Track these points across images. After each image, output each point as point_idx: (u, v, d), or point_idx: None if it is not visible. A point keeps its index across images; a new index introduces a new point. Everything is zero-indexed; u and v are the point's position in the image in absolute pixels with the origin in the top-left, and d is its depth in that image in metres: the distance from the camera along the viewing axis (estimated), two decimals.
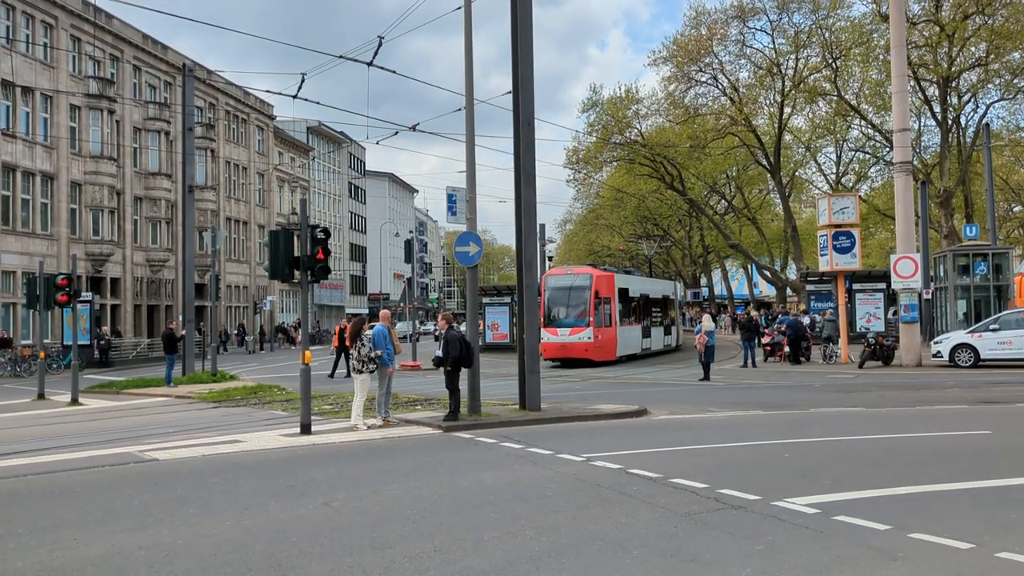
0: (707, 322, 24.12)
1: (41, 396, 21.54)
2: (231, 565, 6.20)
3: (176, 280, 47.16)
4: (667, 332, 39.74)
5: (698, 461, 10.10)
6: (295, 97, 19.81)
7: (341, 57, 18.86)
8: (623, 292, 32.47)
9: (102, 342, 36.62)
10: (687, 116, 44.86)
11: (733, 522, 7.10)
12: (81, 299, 27.95)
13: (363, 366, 13.88)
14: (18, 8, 37.64)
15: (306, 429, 13.35)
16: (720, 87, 44.09)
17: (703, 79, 44.01)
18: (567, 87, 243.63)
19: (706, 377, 22.83)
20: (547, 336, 28.96)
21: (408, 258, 35.22)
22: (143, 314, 46.70)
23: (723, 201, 57.70)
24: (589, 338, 29.39)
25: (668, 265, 73.85)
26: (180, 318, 30.58)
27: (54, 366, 31.70)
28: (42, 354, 22.99)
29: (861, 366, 25.60)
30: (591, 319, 29.43)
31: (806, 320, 31.54)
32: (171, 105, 46.83)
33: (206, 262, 43.14)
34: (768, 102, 44.72)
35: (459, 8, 16.30)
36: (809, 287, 38.67)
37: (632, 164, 48.76)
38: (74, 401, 20.25)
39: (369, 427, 13.80)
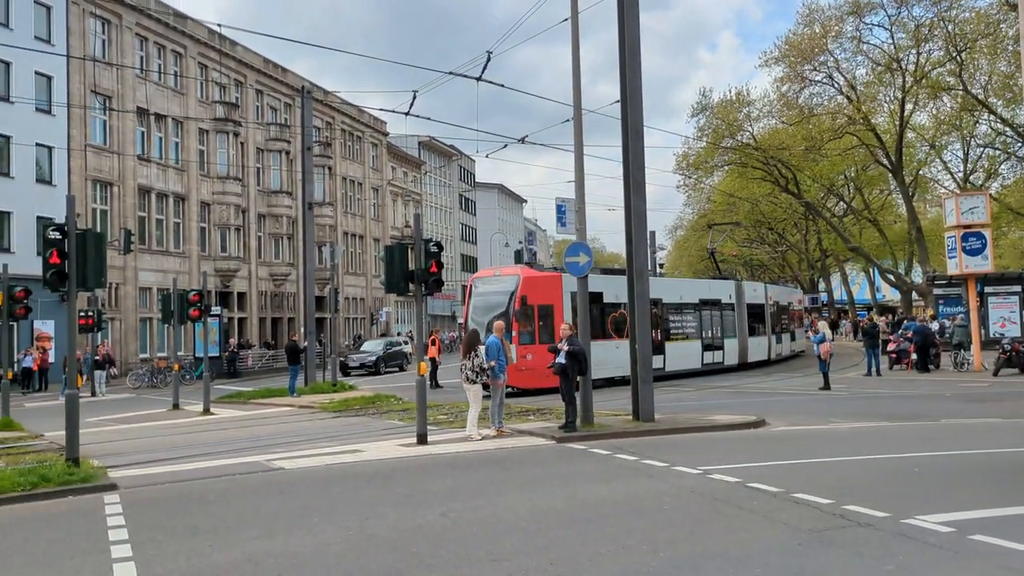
0: (824, 328, 23.31)
1: (176, 406, 22.72)
2: (355, 574, 6.39)
3: (297, 293, 49.01)
4: (713, 347, 30.65)
5: (821, 475, 9.77)
6: (407, 114, 20.31)
7: (451, 73, 19.22)
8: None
9: (228, 353, 38.36)
10: (801, 117, 43.55)
11: (860, 540, 6.83)
12: (211, 313, 29.35)
13: (477, 377, 14.08)
14: (151, 39, 40.03)
15: (422, 439, 13.63)
16: (836, 86, 42.63)
17: (818, 78, 42.65)
18: (676, 91, 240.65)
19: (826, 386, 22.06)
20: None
21: None
22: (267, 326, 48.68)
23: (841, 203, 55.64)
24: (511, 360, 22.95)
25: (784, 270, 71.77)
26: (302, 330, 31.71)
27: (187, 377, 33.37)
28: (176, 366, 24.26)
29: (995, 374, 24.19)
30: (513, 335, 22.28)
31: (934, 326, 30.06)
32: (291, 125, 48.75)
33: (325, 275, 44.66)
34: (888, 99, 42.91)
35: (566, 20, 16.37)
36: (936, 291, 36.85)
37: (744, 168, 47.67)
38: (206, 411, 21.27)
39: (483, 437, 13.98)
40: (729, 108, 45.94)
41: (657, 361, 21.68)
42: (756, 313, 34.56)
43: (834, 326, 49.62)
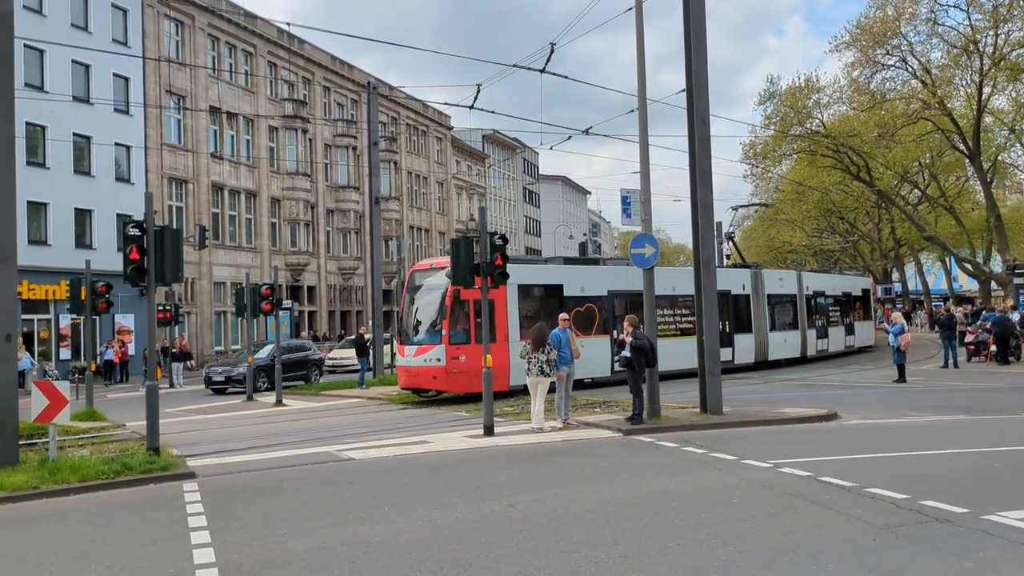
0: (900, 320, 22.69)
1: (250, 398, 23.31)
2: (425, 563, 6.49)
3: (365, 287, 49.74)
4: (725, 342, 23.77)
5: (896, 470, 9.55)
6: (471, 108, 20.45)
7: (515, 66, 19.28)
8: (530, 290, 21.87)
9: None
10: (873, 103, 42.40)
11: (938, 537, 6.67)
12: (282, 307, 29.96)
13: (551, 370, 14.14)
14: (222, 39, 41.01)
15: (489, 431, 13.73)
16: (910, 70, 41.37)
17: (890, 62, 41.45)
18: (742, 79, 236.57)
19: (901, 378, 21.49)
20: (398, 358, 21.88)
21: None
22: (336, 319, 49.55)
23: (915, 190, 54.04)
24: (439, 360, 19.76)
25: (855, 260, 70.06)
26: (370, 323, 32.18)
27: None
28: (250, 358, 24.88)
29: None
30: (443, 333, 19.87)
31: (1014, 316, 29.00)
32: (357, 121, 49.45)
33: (392, 269, 45.22)
34: (964, 83, 41.45)
35: (630, 9, 16.24)
36: (1017, 280, 35.58)
37: (814, 156, 46.66)
38: (278, 402, 21.76)
39: (551, 429, 14.03)
40: (797, 95, 45.02)
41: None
42: (784, 305, 30.78)
43: (908, 317, 48.27)
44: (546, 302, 21.92)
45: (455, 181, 65.73)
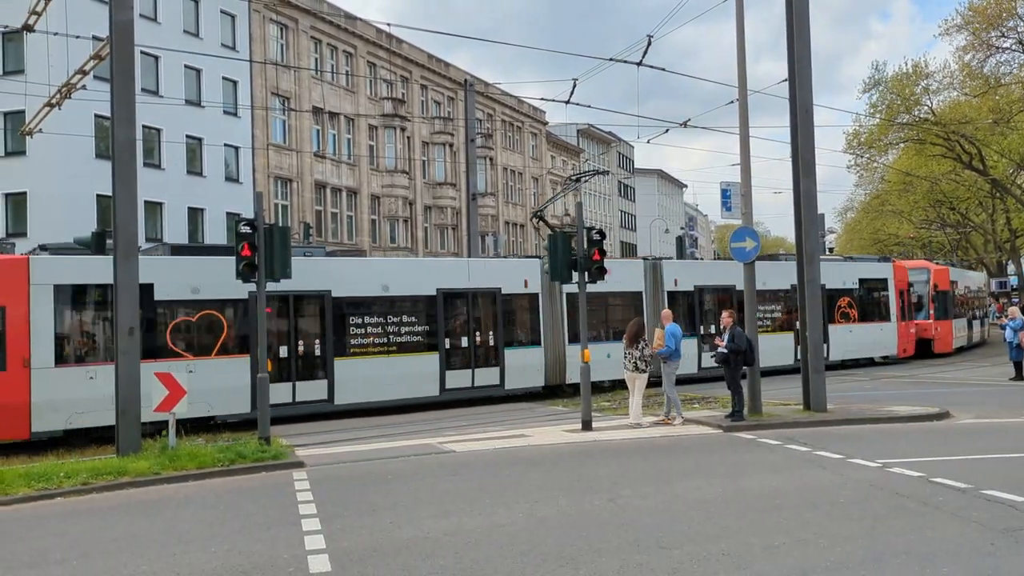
0: (1017, 314, 21.59)
1: None
2: (527, 555, 6.58)
3: None
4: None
5: (1014, 471, 9.15)
6: (567, 102, 20.43)
7: (611, 60, 19.14)
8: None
9: None
10: (987, 87, 40.41)
11: None
12: None
13: (645, 366, 14.09)
14: (324, 41, 42.13)
15: (587, 425, 13.76)
16: None
17: (1006, 45, 39.41)
18: (844, 66, 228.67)
19: (1019, 376, 20.47)
20: None
21: (679, 255, 34.91)
22: None
23: None
24: None
25: (968, 253, 66.93)
26: None
27: None
28: None
29: None
30: None
31: None
32: (454, 119, 50.03)
33: None
34: None
35: None
36: None
37: (922, 144, 44.80)
38: None
39: (649, 424, 13.96)
40: (905, 81, 43.33)
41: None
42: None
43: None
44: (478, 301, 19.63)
45: (550, 176, 65.79)
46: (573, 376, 19.90)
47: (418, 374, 18.28)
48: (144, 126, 31.22)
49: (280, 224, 16.40)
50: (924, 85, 43.74)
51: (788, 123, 15.37)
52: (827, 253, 44.47)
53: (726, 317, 14.42)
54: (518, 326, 20.27)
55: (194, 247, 20.70)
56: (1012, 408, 15.25)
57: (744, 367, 14.11)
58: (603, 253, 14.47)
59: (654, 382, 15.35)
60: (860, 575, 5.81)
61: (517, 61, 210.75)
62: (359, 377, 17.40)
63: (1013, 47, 39.48)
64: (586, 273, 14.29)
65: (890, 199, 57.71)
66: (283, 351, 16.93)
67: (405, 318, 18.43)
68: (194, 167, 35.07)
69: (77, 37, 19.03)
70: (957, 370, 25.42)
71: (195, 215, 35.05)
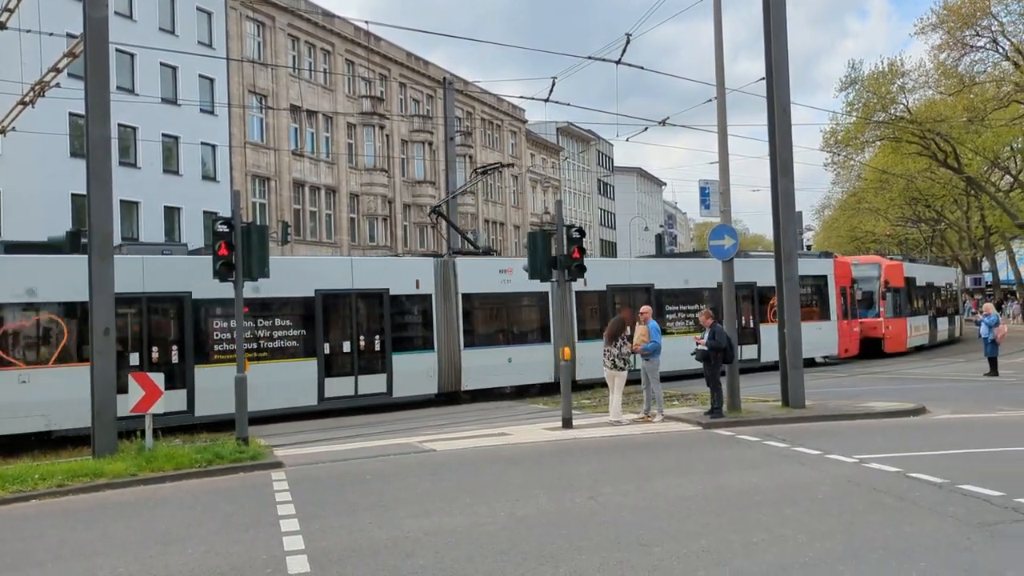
0: (992, 311, 21.86)
1: None
2: (507, 554, 6.57)
3: None
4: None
5: (990, 466, 9.25)
6: (547, 100, 20.39)
7: (590, 58, 19.13)
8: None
9: None
10: (961, 86, 40.86)
11: None
12: None
13: (624, 364, 14.11)
14: (301, 39, 41.89)
15: (567, 423, 13.77)
16: (1001, 51, 39.72)
17: (980, 44, 39.88)
18: (821, 64, 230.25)
19: (993, 372, 20.73)
20: None
21: (659, 252, 35.09)
22: None
23: (1007, 176, 51.87)
24: None
25: (943, 250, 67.65)
26: None
27: None
28: None
29: None
30: None
31: None
32: (433, 117, 49.93)
33: None
34: None
35: None
36: None
37: (898, 143, 45.26)
38: None
39: (630, 422, 14.00)
40: (881, 80, 43.74)
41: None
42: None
43: (999, 308, 46.36)
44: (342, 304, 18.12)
45: (529, 174, 65.80)
46: (469, 382, 19.21)
47: (293, 382, 16.84)
48: (120, 124, 30.89)
49: (258, 223, 16.29)
50: (900, 84, 44.20)
51: (766, 121, 15.45)
52: (805, 251, 44.77)
53: (704, 317, 14.52)
54: (408, 330, 19.01)
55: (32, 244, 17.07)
56: (987, 403, 15.43)
57: (724, 364, 14.19)
58: (583, 251, 14.48)
59: (632, 379, 15.31)
60: (839, 571, 5.85)
61: (497, 59, 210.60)
62: (223, 386, 13.85)
63: (987, 46, 39.96)
64: (566, 271, 14.31)
65: (867, 197, 58.26)
66: (134, 358, 15.16)
67: (278, 321, 16.99)
68: (170, 166, 34.77)
69: (51, 34, 18.77)
70: (934, 366, 25.66)
71: (172, 214, 34.75)
